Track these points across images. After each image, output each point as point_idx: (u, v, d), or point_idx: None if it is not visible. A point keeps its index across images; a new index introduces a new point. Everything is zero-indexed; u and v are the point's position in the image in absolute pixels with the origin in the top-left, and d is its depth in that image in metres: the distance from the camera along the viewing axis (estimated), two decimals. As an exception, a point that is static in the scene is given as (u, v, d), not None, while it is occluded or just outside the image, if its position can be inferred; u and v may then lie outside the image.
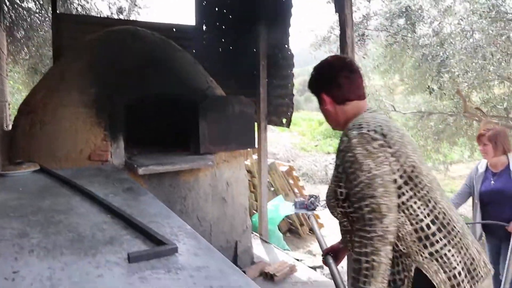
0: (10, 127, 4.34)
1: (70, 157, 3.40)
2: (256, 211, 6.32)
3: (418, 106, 11.32)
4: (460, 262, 1.61)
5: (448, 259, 1.59)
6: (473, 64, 7.27)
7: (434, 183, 1.68)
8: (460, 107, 9.40)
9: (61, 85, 3.65)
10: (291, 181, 7.73)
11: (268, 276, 4.21)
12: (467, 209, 3.89)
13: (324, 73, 1.87)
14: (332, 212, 1.80)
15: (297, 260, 4.90)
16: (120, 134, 3.51)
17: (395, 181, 1.57)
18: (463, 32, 7.30)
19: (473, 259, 1.65)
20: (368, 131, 1.61)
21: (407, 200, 1.59)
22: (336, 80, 1.79)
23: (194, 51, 5.49)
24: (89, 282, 1.14)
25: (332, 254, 2.02)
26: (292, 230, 7.51)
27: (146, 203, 1.97)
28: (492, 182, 3.55)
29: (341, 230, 1.87)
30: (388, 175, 1.54)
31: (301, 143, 16.24)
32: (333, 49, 10.56)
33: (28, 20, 8.99)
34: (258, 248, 5.06)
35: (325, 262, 2.02)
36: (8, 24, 7.98)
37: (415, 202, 1.59)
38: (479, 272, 1.66)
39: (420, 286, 1.58)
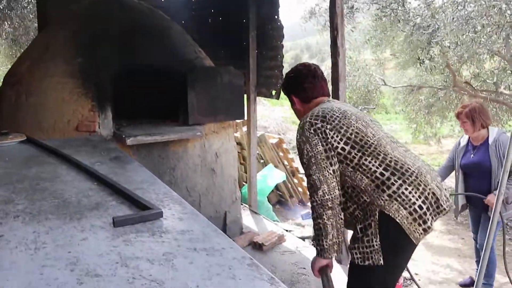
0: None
1: (57, 128, 3.38)
2: (246, 182, 6.37)
3: (409, 80, 11.30)
4: (419, 197, 1.84)
5: (407, 196, 1.83)
6: (464, 36, 7.23)
7: (383, 140, 1.99)
8: (450, 81, 9.40)
9: (47, 56, 3.59)
10: (280, 154, 7.75)
11: (256, 246, 4.29)
12: (454, 181, 3.99)
13: (293, 79, 2.28)
14: None
15: (286, 230, 4.98)
16: (108, 104, 3.48)
17: (343, 149, 1.93)
18: (455, 4, 7.23)
19: (434, 193, 1.89)
20: (310, 119, 2.01)
21: (358, 160, 1.92)
22: (302, 86, 2.22)
23: (183, 21, 5.41)
24: (73, 245, 1.16)
25: None
26: (282, 202, 7.59)
27: (133, 170, 1.98)
28: (472, 155, 3.62)
29: None
30: (321, 154, 1.92)
31: (292, 117, 16.17)
32: (321, 22, 10.44)
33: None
34: (247, 219, 5.12)
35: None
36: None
37: (366, 159, 1.91)
38: (441, 205, 1.90)
39: (389, 228, 1.83)
